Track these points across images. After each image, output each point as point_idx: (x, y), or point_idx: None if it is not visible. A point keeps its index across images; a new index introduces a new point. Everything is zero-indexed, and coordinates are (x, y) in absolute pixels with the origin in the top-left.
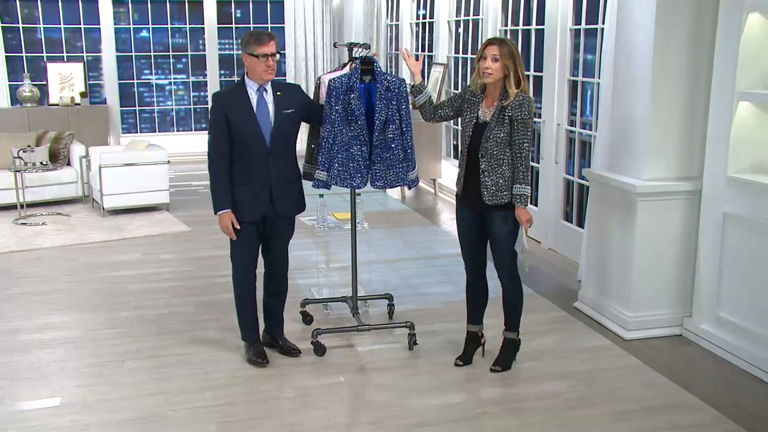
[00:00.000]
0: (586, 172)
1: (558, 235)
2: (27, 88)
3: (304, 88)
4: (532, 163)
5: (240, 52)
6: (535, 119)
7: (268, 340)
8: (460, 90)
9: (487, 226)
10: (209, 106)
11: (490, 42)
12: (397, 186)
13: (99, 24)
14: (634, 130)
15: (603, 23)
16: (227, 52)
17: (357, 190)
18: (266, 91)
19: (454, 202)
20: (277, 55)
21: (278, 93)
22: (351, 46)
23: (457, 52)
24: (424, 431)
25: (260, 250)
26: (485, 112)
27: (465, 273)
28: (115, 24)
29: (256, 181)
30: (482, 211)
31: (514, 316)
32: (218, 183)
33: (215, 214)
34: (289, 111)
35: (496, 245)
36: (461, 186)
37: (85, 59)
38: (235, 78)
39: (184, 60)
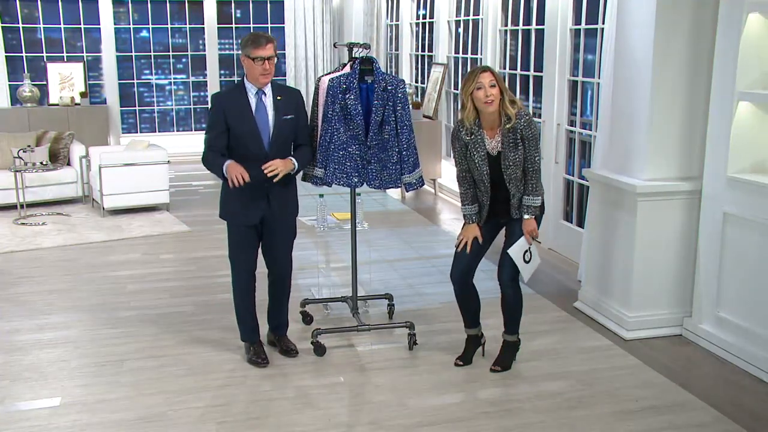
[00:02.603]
0: (586, 172)
1: (558, 235)
2: (27, 88)
3: (303, 88)
4: None
5: (240, 52)
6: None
7: (271, 339)
8: (453, 126)
9: (505, 232)
10: (209, 106)
11: (482, 70)
12: (391, 187)
13: (99, 24)
14: (634, 130)
15: (603, 23)
16: (227, 52)
17: (357, 190)
18: (265, 94)
19: (459, 213)
20: (275, 59)
21: (279, 98)
22: (351, 46)
23: (457, 52)
24: (424, 431)
25: (261, 253)
26: (493, 145)
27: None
28: (115, 24)
29: (252, 184)
30: (503, 221)
31: (514, 320)
32: (214, 159)
33: (223, 172)
34: (289, 117)
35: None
36: (484, 219)
37: (85, 59)
38: (235, 78)
39: (184, 60)
